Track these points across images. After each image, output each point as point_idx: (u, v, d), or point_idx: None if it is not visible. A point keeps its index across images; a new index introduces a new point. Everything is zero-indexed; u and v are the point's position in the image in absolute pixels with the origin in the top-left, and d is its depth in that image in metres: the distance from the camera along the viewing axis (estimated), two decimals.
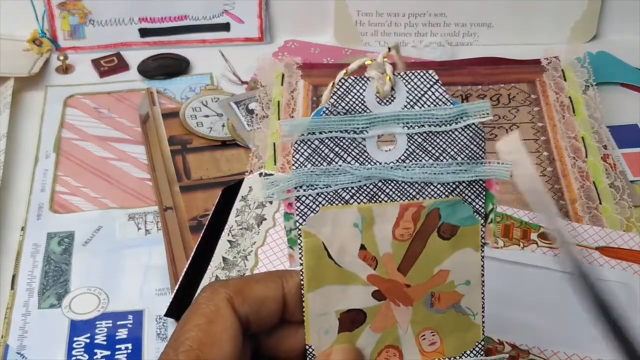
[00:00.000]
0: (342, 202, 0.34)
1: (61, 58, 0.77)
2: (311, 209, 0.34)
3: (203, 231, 0.58)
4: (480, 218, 0.35)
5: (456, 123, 0.34)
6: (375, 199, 0.34)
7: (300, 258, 0.34)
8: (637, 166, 0.65)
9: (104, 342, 0.53)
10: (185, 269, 0.56)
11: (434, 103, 0.34)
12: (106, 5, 0.78)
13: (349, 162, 0.34)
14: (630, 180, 0.64)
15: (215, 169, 0.66)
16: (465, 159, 0.34)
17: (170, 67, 0.78)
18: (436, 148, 0.34)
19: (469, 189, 0.34)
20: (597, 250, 0.56)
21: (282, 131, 0.34)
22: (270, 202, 0.59)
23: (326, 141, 0.34)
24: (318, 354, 0.35)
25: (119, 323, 0.54)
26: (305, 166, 0.34)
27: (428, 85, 0.34)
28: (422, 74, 0.34)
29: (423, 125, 0.34)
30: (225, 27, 0.80)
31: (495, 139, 0.67)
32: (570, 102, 0.70)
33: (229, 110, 0.71)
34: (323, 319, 0.35)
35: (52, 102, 0.73)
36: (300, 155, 0.34)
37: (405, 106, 0.34)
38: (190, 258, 0.56)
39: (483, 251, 0.35)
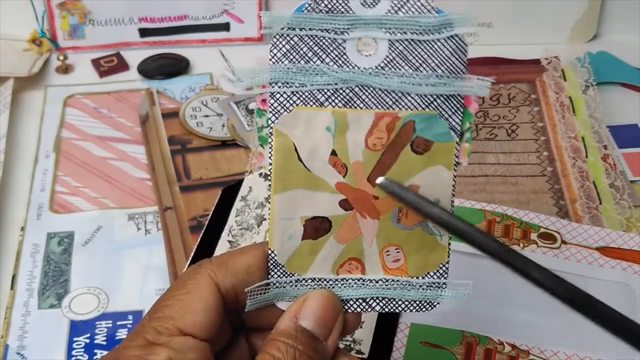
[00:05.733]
0: (316, 103, 0.34)
1: (61, 58, 0.77)
2: (285, 108, 0.34)
3: (203, 231, 0.58)
4: (455, 136, 0.34)
5: (439, 33, 0.33)
6: (350, 104, 0.34)
7: (269, 157, 0.34)
8: (637, 166, 0.65)
9: (104, 343, 0.53)
10: (185, 269, 0.56)
11: (419, 11, 0.33)
12: (106, 5, 0.78)
13: (327, 63, 0.33)
14: (630, 180, 0.64)
15: (215, 169, 0.66)
16: (446, 71, 0.33)
17: (170, 67, 0.78)
18: (417, 58, 0.33)
19: (447, 104, 0.34)
20: (597, 250, 0.56)
21: (262, 22, 0.33)
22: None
23: (306, 39, 0.33)
24: (280, 259, 0.35)
25: (118, 323, 0.54)
26: (283, 62, 0.33)
27: None
28: None
29: (405, 32, 0.33)
30: (225, 27, 0.80)
31: (495, 138, 0.68)
32: (570, 102, 0.70)
33: (228, 110, 0.71)
34: (288, 223, 0.35)
35: (52, 102, 0.73)
36: (278, 51, 0.33)
37: (389, 11, 0.33)
38: (190, 258, 0.56)
39: (456, 171, 0.35)
